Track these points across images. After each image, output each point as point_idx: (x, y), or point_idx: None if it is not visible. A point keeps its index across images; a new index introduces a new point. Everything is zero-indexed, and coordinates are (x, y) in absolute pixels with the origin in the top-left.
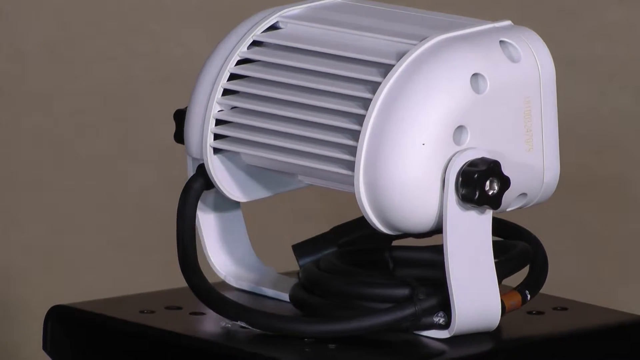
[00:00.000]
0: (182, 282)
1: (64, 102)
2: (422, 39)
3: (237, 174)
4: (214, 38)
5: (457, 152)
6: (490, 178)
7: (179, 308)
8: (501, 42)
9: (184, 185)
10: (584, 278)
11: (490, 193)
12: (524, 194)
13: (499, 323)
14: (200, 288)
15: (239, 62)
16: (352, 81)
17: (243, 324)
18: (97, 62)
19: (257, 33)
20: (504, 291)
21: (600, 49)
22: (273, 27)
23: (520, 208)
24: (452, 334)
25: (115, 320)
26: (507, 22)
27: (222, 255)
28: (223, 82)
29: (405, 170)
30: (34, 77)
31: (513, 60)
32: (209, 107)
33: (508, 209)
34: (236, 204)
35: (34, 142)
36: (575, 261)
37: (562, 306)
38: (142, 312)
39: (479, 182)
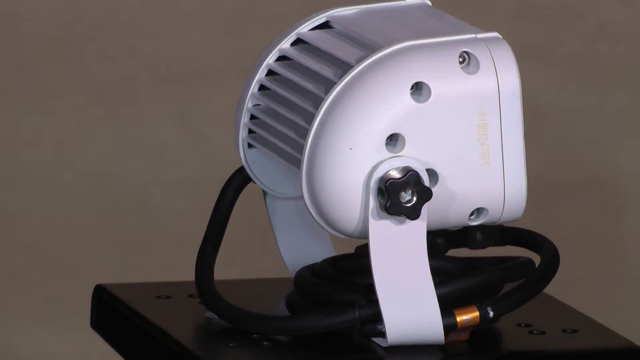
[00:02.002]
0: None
1: (64, 102)
2: (391, 45)
3: (271, 168)
4: (214, 38)
5: (384, 159)
6: (407, 188)
7: (191, 296)
8: (463, 53)
9: (184, 185)
10: (584, 278)
11: (407, 203)
12: (482, 209)
13: (469, 336)
14: (200, 278)
15: (279, 58)
16: (321, 81)
17: (211, 315)
18: (97, 62)
19: (301, 31)
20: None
21: (600, 49)
22: (326, 26)
23: (491, 224)
24: (390, 343)
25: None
26: (492, 34)
27: (293, 252)
28: (260, 77)
29: (333, 174)
30: (34, 77)
31: (469, 72)
32: (246, 100)
33: (473, 223)
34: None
35: (34, 142)
36: (575, 261)
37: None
38: (158, 297)
39: (392, 191)
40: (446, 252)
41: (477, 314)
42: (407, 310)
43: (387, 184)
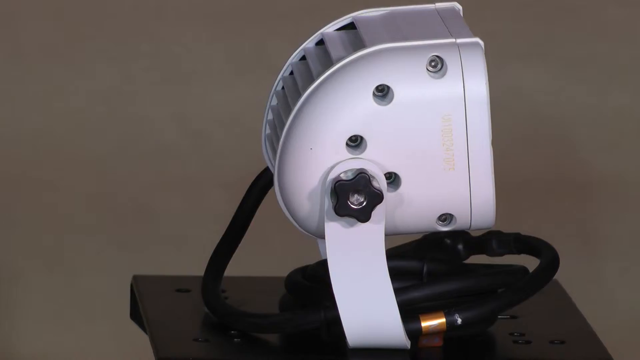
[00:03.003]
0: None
1: (64, 102)
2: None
3: None
4: (214, 38)
5: (342, 160)
6: (357, 190)
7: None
8: (435, 57)
9: (184, 185)
10: (584, 278)
11: (357, 206)
12: (449, 215)
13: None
14: (206, 275)
15: (302, 58)
16: (307, 81)
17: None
18: (97, 62)
19: (326, 31)
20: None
21: (600, 49)
22: (352, 27)
23: (463, 230)
24: (352, 346)
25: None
26: (473, 40)
27: None
28: (284, 75)
29: (295, 173)
30: (34, 77)
31: (435, 76)
32: (270, 98)
33: (443, 229)
34: None
35: (34, 142)
36: (575, 261)
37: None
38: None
39: (341, 192)
40: (466, 258)
41: (443, 320)
42: (365, 314)
43: (335, 185)
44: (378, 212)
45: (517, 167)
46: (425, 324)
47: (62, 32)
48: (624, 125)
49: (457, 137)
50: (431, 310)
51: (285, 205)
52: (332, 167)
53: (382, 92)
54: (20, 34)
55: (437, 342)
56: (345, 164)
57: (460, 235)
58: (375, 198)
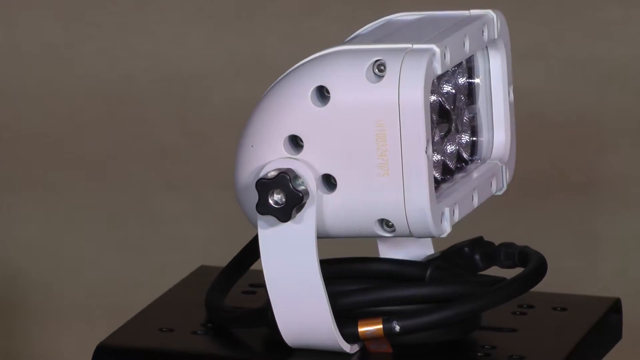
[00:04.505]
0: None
1: (64, 102)
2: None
3: None
4: (214, 38)
5: (275, 159)
6: (276, 189)
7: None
8: (379, 62)
9: (184, 185)
10: (584, 278)
11: (277, 205)
12: (386, 221)
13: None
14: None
15: None
16: None
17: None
18: (97, 62)
19: (362, 33)
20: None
21: (600, 49)
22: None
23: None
24: (291, 345)
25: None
26: (429, 46)
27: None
28: None
29: (239, 169)
30: (34, 77)
31: (372, 81)
32: None
33: (385, 234)
34: None
35: (34, 142)
36: (575, 261)
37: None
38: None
39: (261, 190)
40: (485, 269)
41: (380, 326)
42: (298, 315)
43: (257, 183)
44: (307, 213)
45: (516, 166)
46: (362, 329)
47: (62, 32)
48: (624, 125)
49: (391, 143)
50: (372, 316)
51: (237, 199)
52: (263, 166)
53: (320, 94)
54: (20, 34)
55: (385, 348)
56: (275, 162)
57: (478, 245)
58: (295, 198)
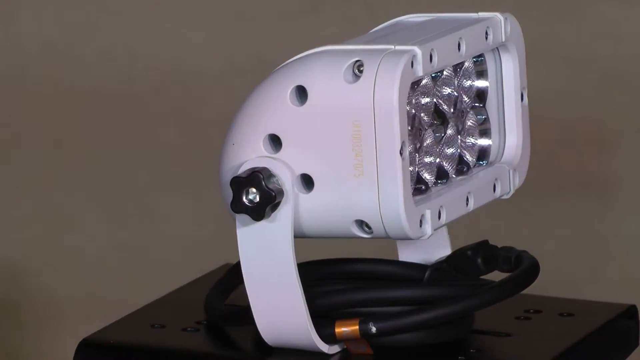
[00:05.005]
0: (180, 284)
1: (64, 102)
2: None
3: None
4: (214, 38)
5: (254, 157)
6: (251, 188)
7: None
8: (355, 61)
9: (184, 185)
10: (584, 278)
11: (250, 203)
12: (362, 222)
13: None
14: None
15: None
16: None
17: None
18: (97, 62)
19: (369, 33)
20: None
21: (600, 49)
22: None
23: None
24: (270, 344)
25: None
26: (410, 47)
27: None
28: None
29: (222, 167)
30: (34, 77)
31: (349, 81)
32: None
33: (363, 235)
34: None
35: (34, 142)
36: (575, 261)
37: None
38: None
39: (234, 188)
40: (486, 273)
41: (357, 327)
42: (275, 314)
43: (231, 181)
44: (283, 212)
45: None
46: (339, 329)
47: (62, 32)
48: (624, 125)
49: (366, 144)
50: (350, 317)
51: (221, 197)
52: (241, 164)
53: (299, 93)
54: (20, 34)
55: (365, 350)
56: (252, 161)
57: (482, 249)
58: (268, 197)
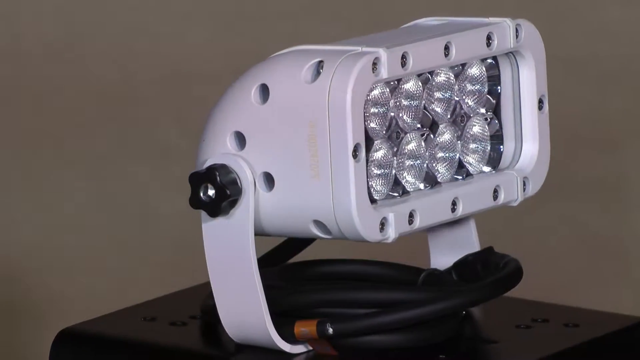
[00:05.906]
0: (180, 284)
1: (64, 102)
2: None
3: None
4: (214, 38)
5: (217, 154)
6: (205, 184)
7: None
8: (319, 62)
9: (184, 185)
10: (584, 278)
11: (205, 199)
12: (320, 223)
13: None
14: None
15: None
16: None
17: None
18: (97, 62)
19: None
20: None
21: (600, 49)
22: None
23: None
24: (236, 341)
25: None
26: (376, 49)
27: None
28: None
29: (195, 162)
30: (34, 77)
31: (307, 81)
32: None
33: (323, 236)
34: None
35: (34, 142)
36: (575, 261)
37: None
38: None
39: (192, 184)
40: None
41: (314, 327)
42: (237, 312)
43: (189, 177)
44: (241, 209)
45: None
46: (298, 329)
47: (62, 32)
48: (624, 125)
49: (321, 145)
50: (310, 317)
51: None
52: (205, 160)
53: (262, 91)
54: (20, 34)
55: (329, 350)
56: (214, 158)
57: (483, 255)
58: (223, 194)
